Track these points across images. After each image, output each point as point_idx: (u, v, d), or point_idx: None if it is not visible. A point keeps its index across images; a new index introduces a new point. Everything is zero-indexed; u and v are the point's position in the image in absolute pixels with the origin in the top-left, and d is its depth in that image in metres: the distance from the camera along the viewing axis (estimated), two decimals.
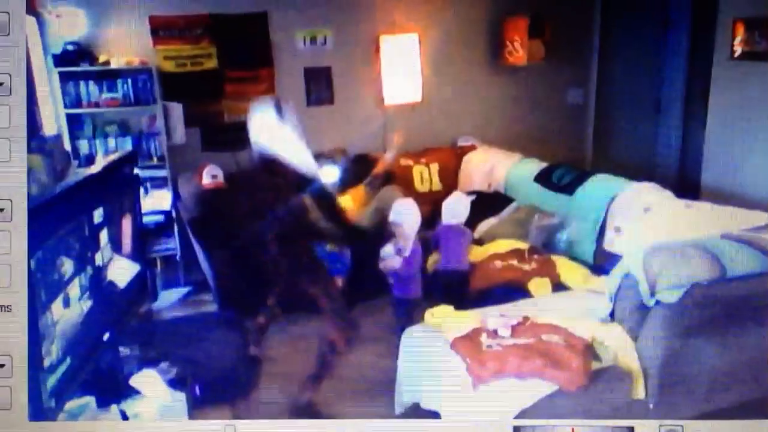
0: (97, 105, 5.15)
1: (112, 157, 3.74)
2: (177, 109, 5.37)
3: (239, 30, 5.60)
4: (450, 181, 5.94)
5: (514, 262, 4.33)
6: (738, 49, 5.23)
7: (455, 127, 6.34)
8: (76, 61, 5.05)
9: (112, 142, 5.28)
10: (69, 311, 2.44)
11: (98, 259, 2.78)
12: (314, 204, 3.62)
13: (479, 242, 4.84)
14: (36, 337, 2.15)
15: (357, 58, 5.96)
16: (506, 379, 2.91)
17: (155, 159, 5.36)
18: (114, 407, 2.68)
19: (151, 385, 2.89)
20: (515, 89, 6.54)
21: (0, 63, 2.07)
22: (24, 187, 2.09)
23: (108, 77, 5.15)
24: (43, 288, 2.22)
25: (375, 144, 5.89)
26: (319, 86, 5.87)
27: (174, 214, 5.30)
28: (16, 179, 2.08)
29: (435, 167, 5.98)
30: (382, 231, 4.08)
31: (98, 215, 2.78)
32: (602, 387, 2.92)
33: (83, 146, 5.22)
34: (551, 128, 6.62)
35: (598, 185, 4.77)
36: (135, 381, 2.89)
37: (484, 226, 5.09)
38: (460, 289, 4.18)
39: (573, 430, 2.16)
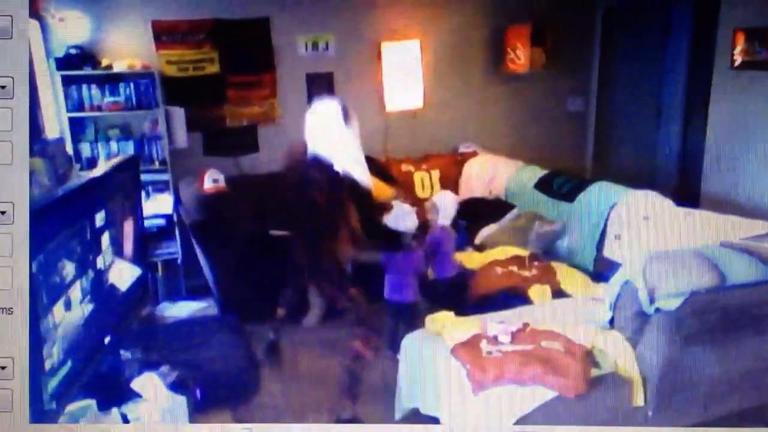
0: (99, 109, 5.16)
1: (114, 160, 3.75)
2: (179, 114, 5.37)
3: (241, 35, 5.61)
4: (451, 188, 5.93)
5: (515, 268, 4.34)
6: (738, 59, 5.25)
7: (456, 134, 6.35)
8: (78, 64, 5.05)
9: (114, 145, 5.28)
10: (70, 314, 2.45)
11: (100, 263, 2.79)
12: (357, 212, 3.59)
13: (480, 249, 4.85)
14: (37, 339, 2.16)
15: (359, 64, 5.97)
16: (506, 386, 2.92)
17: (157, 163, 5.36)
18: (115, 410, 2.68)
19: (152, 388, 2.90)
20: (516, 96, 6.55)
21: (2, 66, 2.08)
22: (26, 190, 2.10)
23: (110, 81, 5.15)
24: (44, 291, 2.23)
25: (376, 150, 5.89)
26: (320, 92, 5.87)
27: (175, 218, 5.30)
28: (18, 182, 2.09)
29: (436, 173, 5.99)
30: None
31: (100, 219, 2.79)
32: (601, 394, 2.92)
33: (85, 150, 5.22)
34: (552, 135, 6.62)
35: (599, 193, 4.77)
36: (136, 384, 2.90)
37: (485, 232, 5.11)
38: (462, 292, 4.20)
39: None
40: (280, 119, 5.81)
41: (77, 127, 5.17)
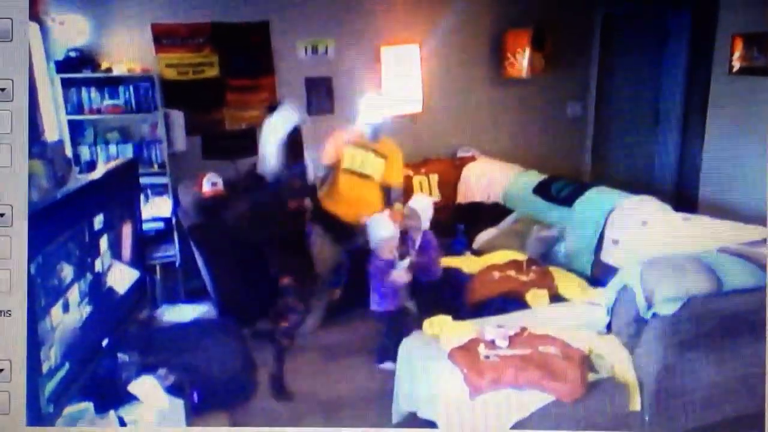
0: (98, 112, 5.16)
1: (113, 163, 3.76)
2: (178, 117, 5.38)
3: (241, 39, 5.62)
4: (449, 192, 5.95)
5: (512, 273, 4.34)
6: (736, 65, 5.27)
7: (455, 138, 6.35)
8: (78, 67, 5.06)
9: (113, 148, 5.28)
10: (68, 317, 2.45)
11: (98, 266, 2.79)
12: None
13: (478, 253, 4.85)
14: (35, 342, 2.16)
15: (358, 69, 5.98)
16: (503, 390, 2.92)
17: (156, 166, 5.36)
18: (112, 413, 2.68)
19: (149, 391, 2.90)
20: (515, 101, 6.55)
21: (2, 69, 2.09)
22: (25, 192, 2.10)
23: (110, 84, 5.15)
24: (42, 293, 2.24)
25: None
26: (319, 96, 5.88)
27: (174, 221, 5.30)
28: (17, 185, 2.10)
29: (435, 178, 5.99)
30: None
31: (98, 221, 2.79)
32: (598, 398, 2.92)
33: (84, 153, 5.22)
34: (551, 140, 6.63)
35: (597, 198, 4.78)
36: (133, 387, 2.90)
37: (483, 236, 5.11)
38: (456, 295, 4.21)
39: None
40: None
41: (76, 130, 5.17)
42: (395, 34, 6.02)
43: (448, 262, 4.60)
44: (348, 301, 4.51)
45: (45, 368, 2.25)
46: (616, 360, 3.03)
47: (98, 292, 2.78)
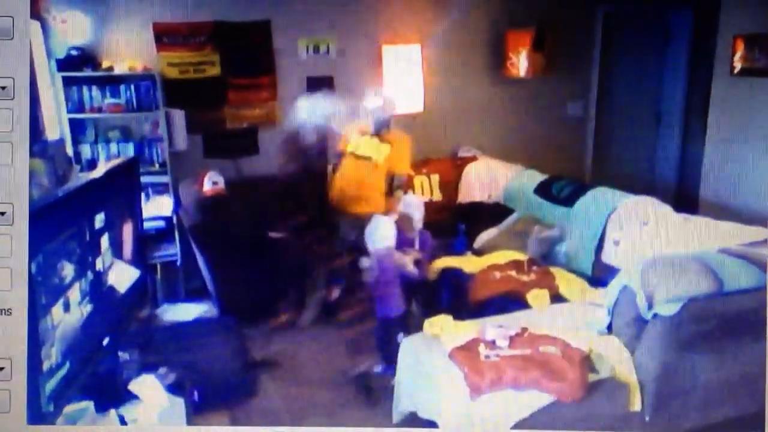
0: (99, 110, 5.16)
1: (114, 162, 3.76)
2: (179, 116, 5.38)
3: (243, 38, 5.62)
4: (450, 192, 5.95)
5: (513, 273, 4.34)
6: (738, 65, 5.27)
7: (456, 138, 6.35)
8: (79, 66, 5.05)
9: (114, 147, 5.28)
10: (69, 315, 2.45)
11: (99, 264, 2.79)
12: None
13: (479, 253, 4.85)
14: (36, 340, 2.16)
15: (359, 68, 5.98)
16: (504, 390, 2.92)
17: (157, 165, 5.36)
18: (113, 412, 2.68)
19: (149, 390, 2.90)
20: (516, 101, 6.55)
21: (3, 67, 2.09)
22: (26, 191, 2.10)
23: (111, 83, 5.15)
24: (43, 292, 2.23)
25: None
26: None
27: (175, 220, 5.31)
28: (18, 183, 2.10)
29: (436, 178, 5.99)
30: None
31: (99, 220, 2.79)
32: (599, 399, 2.92)
33: (85, 151, 5.22)
34: (551, 140, 6.63)
35: (598, 198, 4.78)
36: (134, 386, 2.90)
37: (484, 236, 5.11)
38: (461, 296, 4.23)
39: None
40: (280, 122, 5.81)
41: (77, 128, 5.17)
42: (397, 33, 6.02)
43: (449, 262, 4.60)
44: (346, 302, 4.52)
45: (46, 367, 2.25)
46: (616, 360, 3.03)
47: (99, 290, 2.78)
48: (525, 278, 4.27)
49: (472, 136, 6.40)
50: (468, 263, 4.62)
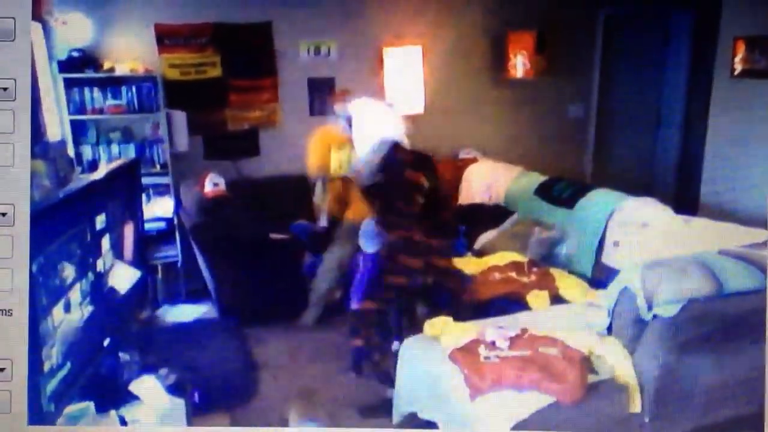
0: (101, 112, 5.17)
1: (116, 163, 3.76)
2: (180, 117, 5.39)
3: (244, 39, 5.63)
4: (451, 194, 5.95)
5: (513, 274, 4.34)
6: (738, 67, 5.27)
7: (457, 140, 6.36)
8: (81, 67, 5.07)
9: (115, 148, 5.29)
10: (70, 316, 2.46)
11: (100, 265, 2.80)
12: None
13: (479, 254, 4.85)
14: (36, 341, 2.16)
15: (360, 70, 5.99)
16: (503, 391, 2.92)
17: (158, 166, 5.37)
18: (113, 413, 2.69)
19: (150, 391, 2.90)
20: (517, 102, 6.56)
21: (5, 68, 2.09)
22: (27, 192, 2.10)
23: (112, 84, 5.17)
24: (44, 293, 2.24)
25: None
26: (322, 96, 5.89)
27: (176, 222, 5.32)
28: (19, 184, 2.10)
29: None
30: None
31: (100, 221, 2.80)
32: (598, 400, 2.92)
33: (87, 152, 5.24)
34: (552, 142, 6.64)
35: (598, 199, 4.78)
36: (134, 387, 2.90)
37: (484, 238, 5.11)
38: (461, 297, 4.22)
39: None
40: (281, 124, 5.82)
41: (79, 129, 5.19)
42: (398, 35, 6.03)
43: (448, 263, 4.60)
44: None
45: (46, 367, 2.25)
46: (616, 361, 3.03)
47: (100, 291, 2.79)
48: (525, 279, 4.27)
49: (473, 137, 6.42)
50: (468, 264, 4.63)
